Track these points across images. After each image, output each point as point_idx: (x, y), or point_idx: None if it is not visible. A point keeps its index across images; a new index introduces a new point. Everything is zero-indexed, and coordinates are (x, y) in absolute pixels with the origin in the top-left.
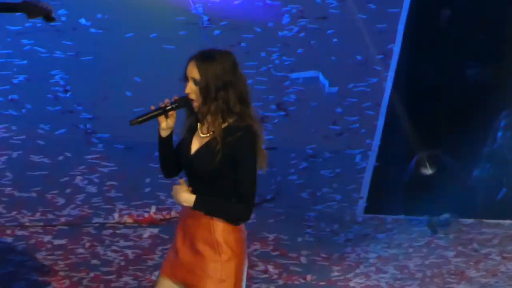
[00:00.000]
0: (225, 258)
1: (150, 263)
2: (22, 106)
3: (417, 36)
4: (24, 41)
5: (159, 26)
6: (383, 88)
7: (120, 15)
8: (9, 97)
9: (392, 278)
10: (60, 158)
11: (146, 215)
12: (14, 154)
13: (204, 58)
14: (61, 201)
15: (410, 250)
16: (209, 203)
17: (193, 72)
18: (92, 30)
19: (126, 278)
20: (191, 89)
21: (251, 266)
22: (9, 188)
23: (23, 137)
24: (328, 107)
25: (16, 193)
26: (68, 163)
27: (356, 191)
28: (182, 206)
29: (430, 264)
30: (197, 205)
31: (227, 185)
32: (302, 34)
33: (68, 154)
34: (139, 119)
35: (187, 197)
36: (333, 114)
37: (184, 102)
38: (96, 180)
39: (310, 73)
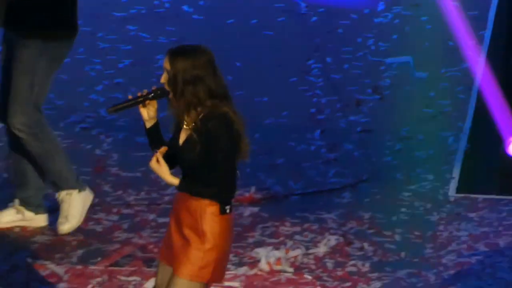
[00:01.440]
0: (208, 247)
1: (250, 240)
2: (127, 89)
3: (508, 22)
4: (129, 27)
5: (259, 13)
6: (474, 73)
7: (221, 2)
8: (115, 80)
9: (483, 255)
10: (165, 138)
11: (246, 194)
12: (120, 135)
13: (177, 52)
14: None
15: (500, 228)
16: (195, 187)
17: (166, 64)
18: (194, 16)
19: None
20: (164, 79)
21: (348, 244)
22: (115, 168)
23: (129, 119)
24: (422, 91)
25: (122, 173)
26: None
27: (448, 172)
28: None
29: None
30: (181, 188)
31: (205, 172)
32: (396, 21)
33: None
34: (117, 107)
35: (171, 179)
36: (426, 97)
37: (160, 92)
38: None
39: (404, 58)
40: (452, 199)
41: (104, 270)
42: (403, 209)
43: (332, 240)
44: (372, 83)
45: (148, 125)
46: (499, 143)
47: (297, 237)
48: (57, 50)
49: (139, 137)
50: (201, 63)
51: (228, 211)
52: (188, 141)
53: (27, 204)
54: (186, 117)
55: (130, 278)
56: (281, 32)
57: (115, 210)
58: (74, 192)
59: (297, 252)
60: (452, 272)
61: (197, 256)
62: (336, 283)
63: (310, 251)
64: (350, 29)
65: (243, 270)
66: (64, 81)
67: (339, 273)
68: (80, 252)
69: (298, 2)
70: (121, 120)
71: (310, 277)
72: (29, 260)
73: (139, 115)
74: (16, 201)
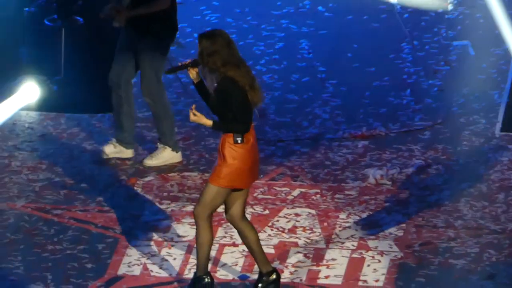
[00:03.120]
0: (226, 165)
1: (362, 163)
2: (281, 62)
3: None
4: (282, 21)
5: (369, 12)
6: None
7: (343, 4)
8: (273, 57)
9: None
10: (305, 96)
11: (359, 132)
12: (275, 94)
13: (202, 35)
14: (305, 123)
15: None
16: (220, 125)
17: (198, 44)
18: (326, 14)
19: (347, 173)
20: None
21: (428, 166)
22: (272, 115)
23: (282, 82)
24: (477, 64)
25: (277, 118)
26: (310, 99)
27: (495, 117)
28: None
29: None
30: (214, 127)
31: (228, 116)
32: (460, 17)
33: (310, 93)
34: (171, 70)
35: (207, 122)
36: (480, 68)
37: (196, 62)
38: (328, 110)
39: (465, 42)
40: (497, 135)
41: (265, 183)
42: (464, 142)
43: (417, 163)
44: (444, 58)
45: (195, 81)
46: None
47: (394, 161)
48: (165, 43)
49: (288, 94)
50: (217, 42)
51: (239, 141)
52: (214, 95)
53: (122, 142)
54: (212, 79)
55: (282, 189)
56: (384, 24)
57: (272, 142)
58: (168, 149)
59: (394, 171)
60: (497, 184)
61: (219, 170)
62: (419, 192)
63: (403, 170)
64: (429, 22)
65: (357, 183)
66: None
67: (421, 185)
68: None
69: (395, 4)
70: (276, 84)
71: (402, 187)
72: None
73: (288, 80)
74: (113, 139)
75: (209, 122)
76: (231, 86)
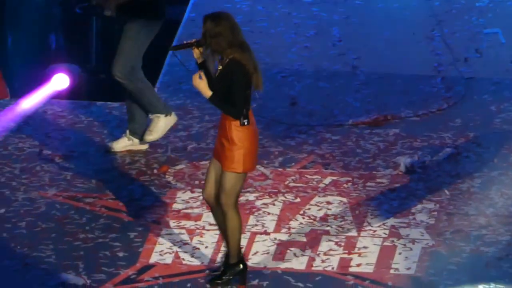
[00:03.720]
0: (236, 149)
1: (393, 151)
2: (312, 50)
3: None
4: (313, 9)
5: (399, 0)
6: None
7: None
8: (304, 44)
9: None
10: (336, 84)
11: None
12: (307, 82)
13: (206, 17)
14: (336, 111)
15: None
16: (218, 101)
17: (203, 24)
18: (357, 2)
19: (378, 162)
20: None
21: (458, 154)
22: (303, 103)
23: (313, 70)
24: (507, 51)
25: (307, 106)
26: (341, 87)
27: None
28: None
29: None
30: (211, 99)
31: (227, 99)
32: (491, 5)
33: (341, 81)
34: (175, 48)
35: (207, 92)
36: (510, 55)
37: (200, 42)
38: (359, 98)
39: (495, 30)
40: None
41: (296, 171)
42: (496, 130)
43: (448, 150)
44: (475, 45)
45: (198, 61)
46: None
47: (425, 149)
48: (151, 28)
49: (320, 82)
50: (221, 23)
51: (246, 123)
52: (218, 77)
53: (135, 133)
54: (215, 60)
55: (314, 176)
56: (415, 12)
57: (304, 130)
58: (162, 116)
59: (425, 159)
60: None
61: (230, 155)
62: (451, 179)
63: (434, 158)
64: (460, 10)
65: (388, 171)
66: (272, 45)
67: (453, 173)
68: (280, 159)
69: None
70: (307, 71)
71: (434, 175)
72: None
73: (319, 67)
74: (127, 132)
75: (208, 93)
76: (238, 70)
